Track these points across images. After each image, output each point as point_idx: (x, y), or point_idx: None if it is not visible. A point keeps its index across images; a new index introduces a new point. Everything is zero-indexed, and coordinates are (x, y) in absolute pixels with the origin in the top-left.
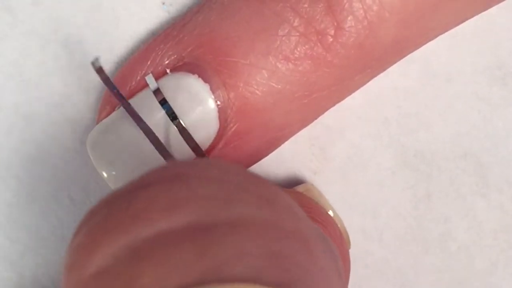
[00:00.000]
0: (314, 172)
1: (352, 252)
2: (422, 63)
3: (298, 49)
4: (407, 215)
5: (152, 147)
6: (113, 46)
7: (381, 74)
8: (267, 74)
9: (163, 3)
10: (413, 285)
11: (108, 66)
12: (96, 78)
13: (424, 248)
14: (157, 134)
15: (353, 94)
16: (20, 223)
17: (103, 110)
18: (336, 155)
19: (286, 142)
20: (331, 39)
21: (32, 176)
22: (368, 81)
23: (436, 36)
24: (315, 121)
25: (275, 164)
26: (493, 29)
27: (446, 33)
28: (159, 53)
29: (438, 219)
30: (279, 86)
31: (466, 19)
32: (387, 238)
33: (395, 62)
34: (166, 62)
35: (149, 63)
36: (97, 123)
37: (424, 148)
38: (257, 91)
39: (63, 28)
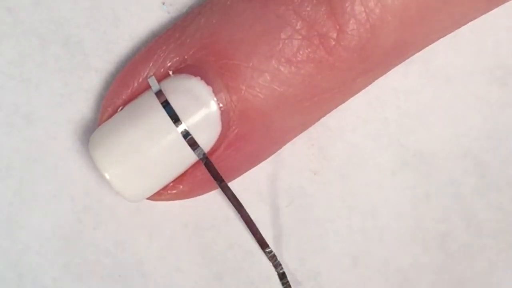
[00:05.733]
0: (314, 172)
1: (352, 252)
2: (422, 63)
3: (301, 52)
4: (407, 215)
5: (154, 149)
6: (113, 46)
7: None
8: (270, 77)
9: (163, 3)
10: (413, 285)
11: (108, 66)
12: (96, 78)
13: (424, 248)
14: (158, 137)
15: None
16: (20, 223)
17: (105, 112)
18: (336, 155)
19: None
20: (333, 42)
21: (32, 176)
22: (370, 83)
23: (438, 39)
24: None
25: (275, 164)
26: (493, 29)
27: None
28: (161, 55)
29: (437, 219)
30: (281, 89)
31: (468, 21)
32: (387, 238)
33: (396, 65)
34: (168, 64)
35: (151, 64)
36: (99, 124)
37: (424, 148)
38: (259, 94)
39: (63, 28)
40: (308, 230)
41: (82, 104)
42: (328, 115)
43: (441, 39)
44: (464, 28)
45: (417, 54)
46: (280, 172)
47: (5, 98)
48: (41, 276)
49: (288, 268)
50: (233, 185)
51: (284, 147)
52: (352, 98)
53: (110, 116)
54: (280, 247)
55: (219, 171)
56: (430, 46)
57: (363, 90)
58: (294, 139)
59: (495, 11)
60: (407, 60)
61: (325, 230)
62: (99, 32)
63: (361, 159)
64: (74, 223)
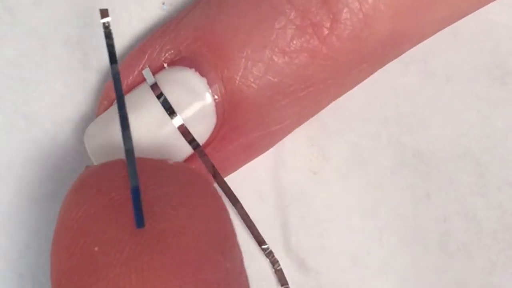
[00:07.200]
0: (314, 172)
1: (352, 252)
2: (421, 63)
3: (294, 41)
4: (407, 215)
5: (149, 142)
6: None
7: (380, 74)
8: (263, 67)
9: (163, 3)
10: (413, 285)
11: (108, 66)
12: (96, 78)
13: (424, 248)
14: (154, 129)
15: (352, 94)
16: (20, 223)
17: (101, 105)
18: (336, 155)
19: (286, 142)
20: (326, 32)
21: (32, 176)
22: (365, 77)
23: (433, 33)
24: (314, 121)
25: (275, 164)
26: (492, 29)
27: (446, 33)
28: (156, 48)
29: (437, 219)
30: (276, 79)
31: (463, 14)
32: (387, 238)
33: (392, 58)
34: (164, 56)
35: (146, 57)
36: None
37: (423, 148)
38: (253, 85)
39: (63, 28)
40: (308, 230)
41: (82, 104)
42: (327, 114)
43: (441, 39)
44: (464, 28)
45: (417, 54)
46: (280, 172)
47: (5, 98)
48: (41, 276)
49: (288, 268)
50: (233, 184)
51: (284, 147)
52: (351, 98)
53: (106, 109)
54: (280, 247)
55: (214, 163)
56: (429, 45)
57: (363, 90)
58: (294, 139)
59: (495, 10)
60: (407, 60)
61: (325, 230)
62: (99, 32)
63: (361, 159)
64: None
